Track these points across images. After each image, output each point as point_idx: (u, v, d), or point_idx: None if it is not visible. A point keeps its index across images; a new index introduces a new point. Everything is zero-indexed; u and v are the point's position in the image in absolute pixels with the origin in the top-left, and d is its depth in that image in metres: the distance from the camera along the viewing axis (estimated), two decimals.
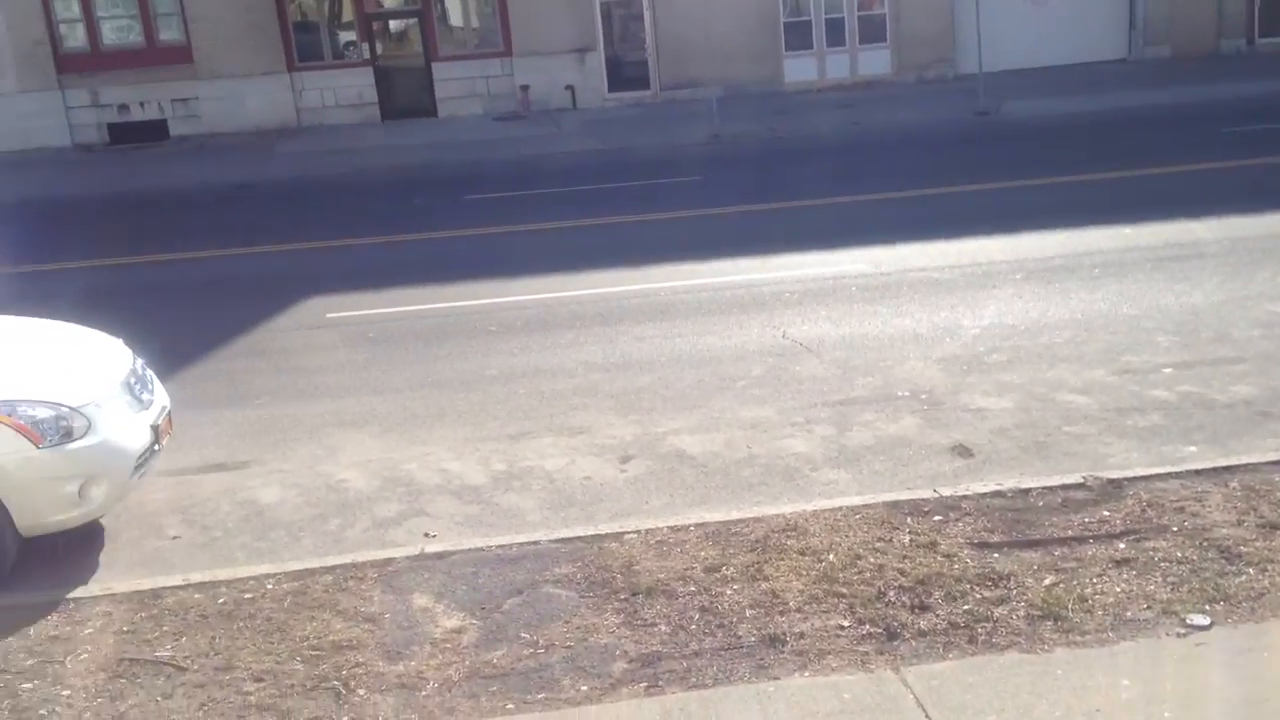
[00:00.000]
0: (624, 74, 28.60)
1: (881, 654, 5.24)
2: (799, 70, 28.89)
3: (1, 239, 17.48)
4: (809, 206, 15.93)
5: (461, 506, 7.45)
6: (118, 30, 27.15)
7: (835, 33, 28.98)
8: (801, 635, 5.40)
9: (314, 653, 5.56)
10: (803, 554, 6.12)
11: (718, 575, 6.00)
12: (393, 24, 28.64)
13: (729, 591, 5.84)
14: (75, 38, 27.04)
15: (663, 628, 5.57)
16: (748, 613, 5.64)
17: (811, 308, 11.18)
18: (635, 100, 28.34)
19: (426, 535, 7.02)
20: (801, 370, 9.55)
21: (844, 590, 5.74)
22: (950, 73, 28.72)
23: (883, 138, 22.04)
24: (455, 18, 28.64)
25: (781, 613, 5.60)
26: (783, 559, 6.08)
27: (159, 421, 7.19)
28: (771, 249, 13.34)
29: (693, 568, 6.11)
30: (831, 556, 6.07)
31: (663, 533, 6.55)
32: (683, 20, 27.27)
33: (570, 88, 28.07)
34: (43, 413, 6.44)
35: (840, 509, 6.67)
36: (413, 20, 28.15)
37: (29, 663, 5.66)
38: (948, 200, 15.80)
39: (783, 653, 5.29)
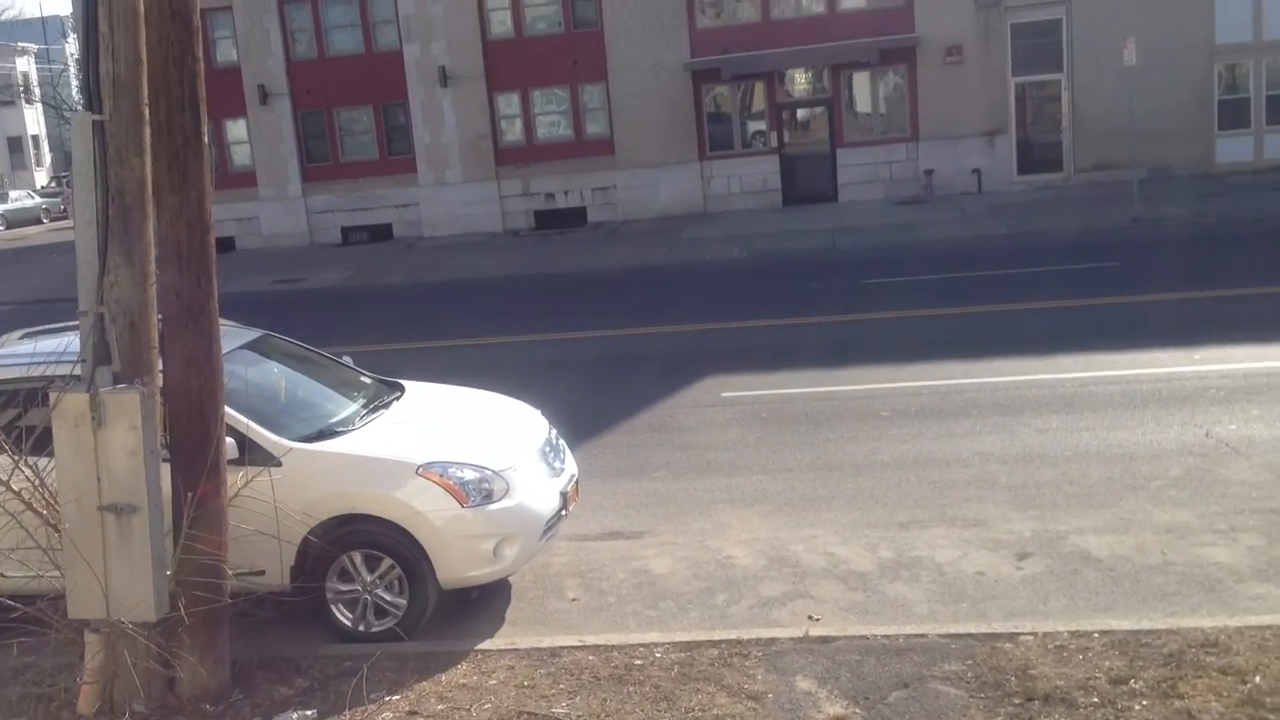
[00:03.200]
0: (1035, 156, 27.75)
1: None
2: (1232, 150, 26.88)
3: (458, 315, 19.40)
4: (1242, 296, 14.56)
5: (847, 592, 7.35)
6: (550, 126, 29.71)
7: (1277, 111, 26.75)
8: None
9: None
10: (1224, 673, 5.55)
11: (1124, 688, 5.54)
12: (800, 113, 29.41)
13: (1137, 707, 5.38)
14: (513, 133, 29.79)
15: None
16: None
17: (1241, 405, 10.22)
18: (1046, 183, 27.35)
19: (811, 618, 6.97)
20: (1227, 473, 8.72)
21: (1272, 718, 5.13)
22: None
23: None
24: (863, 104, 28.95)
25: None
26: (1200, 677, 5.54)
27: (568, 489, 7.64)
28: (1195, 340, 12.33)
29: (1096, 677, 5.68)
30: (1258, 679, 5.46)
31: (1063, 637, 6.15)
32: (1104, 100, 25.89)
33: (976, 171, 27.54)
34: (469, 474, 7.00)
35: (1270, 627, 6.01)
36: (820, 109, 28.80)
37: (439, 707, 6.09)
38: None
39: None
